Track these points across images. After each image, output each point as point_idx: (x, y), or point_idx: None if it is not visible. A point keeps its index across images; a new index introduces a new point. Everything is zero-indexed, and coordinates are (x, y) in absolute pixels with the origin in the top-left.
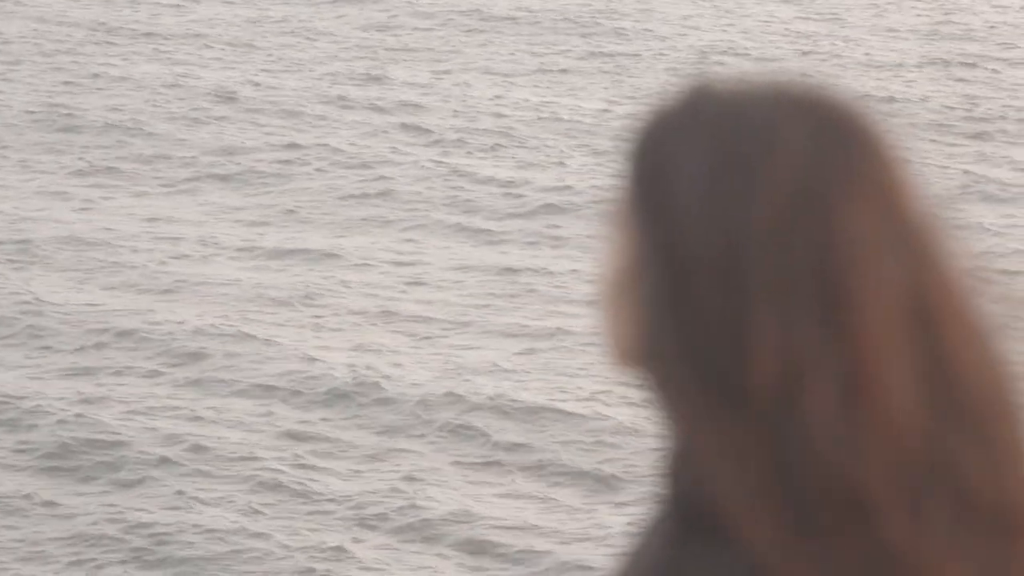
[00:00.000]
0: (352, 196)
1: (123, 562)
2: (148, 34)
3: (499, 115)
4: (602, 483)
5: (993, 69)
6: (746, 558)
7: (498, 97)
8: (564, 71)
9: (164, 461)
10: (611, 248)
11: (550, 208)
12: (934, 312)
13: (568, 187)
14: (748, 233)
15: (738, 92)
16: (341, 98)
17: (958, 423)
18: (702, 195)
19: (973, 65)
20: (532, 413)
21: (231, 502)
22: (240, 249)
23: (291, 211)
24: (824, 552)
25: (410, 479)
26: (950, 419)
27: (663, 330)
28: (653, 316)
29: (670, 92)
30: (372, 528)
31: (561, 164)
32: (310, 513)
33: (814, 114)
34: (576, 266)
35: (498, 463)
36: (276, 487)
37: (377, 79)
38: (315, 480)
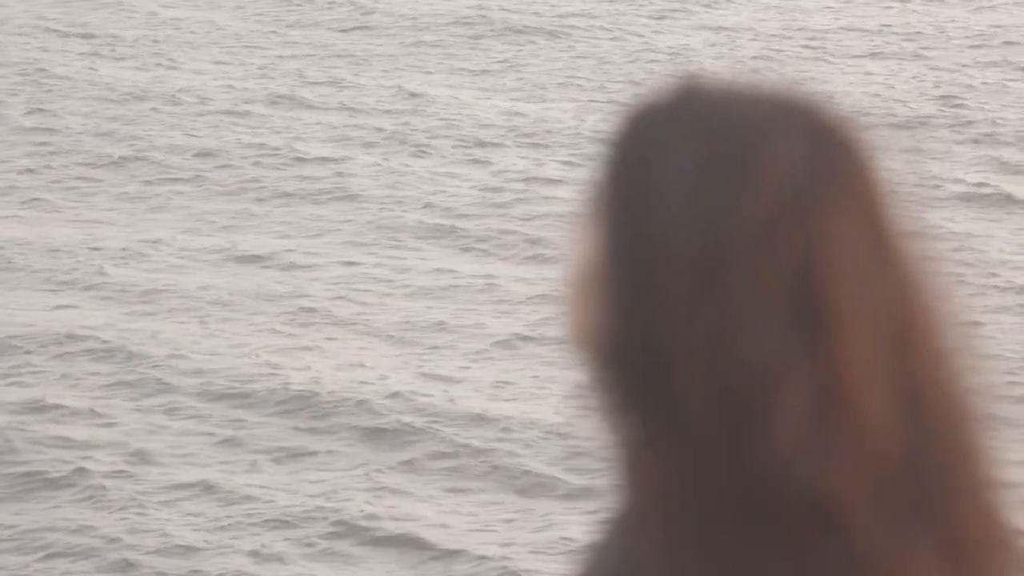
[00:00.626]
0: (303, 196)
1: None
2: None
3: (470, 120)
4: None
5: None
6: (703, 559)
7: (458, 100)
8: (531, 76)
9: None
10: (583, 240)
11: (522, 213)
12: (908, 328)
13: (530, 191)
14: (732, 234)
15: (728, 93)
16: (290, 99)
17: (927, 438)
18: (688, 192)
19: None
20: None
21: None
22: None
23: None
24: (787, 558)
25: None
26: (920, 434)
27: (635, 324)
28: (626, 309)
29: (654, 88)
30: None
31: (528, 166)
32: (244, 516)
33: (803, 122)
34: (543, 273)
35: (456, 470)
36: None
37: (336, 82)
38: (251, 485)
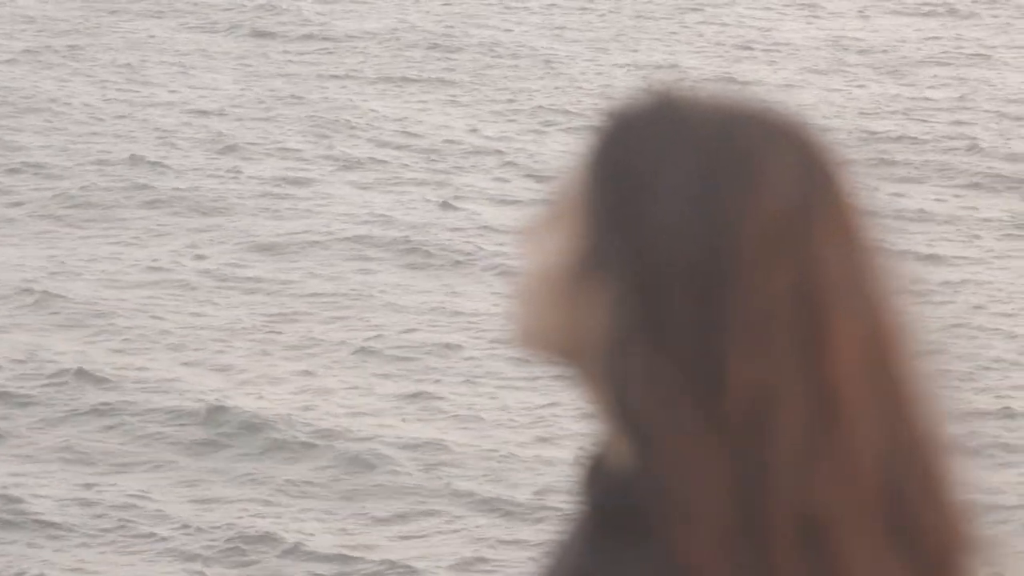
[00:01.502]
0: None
1: None
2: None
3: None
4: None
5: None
6: (668, 560)
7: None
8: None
9: None
10: (549, 244)
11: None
12: (888, 350)
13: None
14: (734, 250)
15: (711, 105)
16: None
17: (906, 456)
18: (689, 209)
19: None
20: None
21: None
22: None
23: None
24: (766, 569)
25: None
26: (899, 452)
27: (629, 337)
28: (616, 320)
29: (632, 99)
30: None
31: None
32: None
33: (793, 138)
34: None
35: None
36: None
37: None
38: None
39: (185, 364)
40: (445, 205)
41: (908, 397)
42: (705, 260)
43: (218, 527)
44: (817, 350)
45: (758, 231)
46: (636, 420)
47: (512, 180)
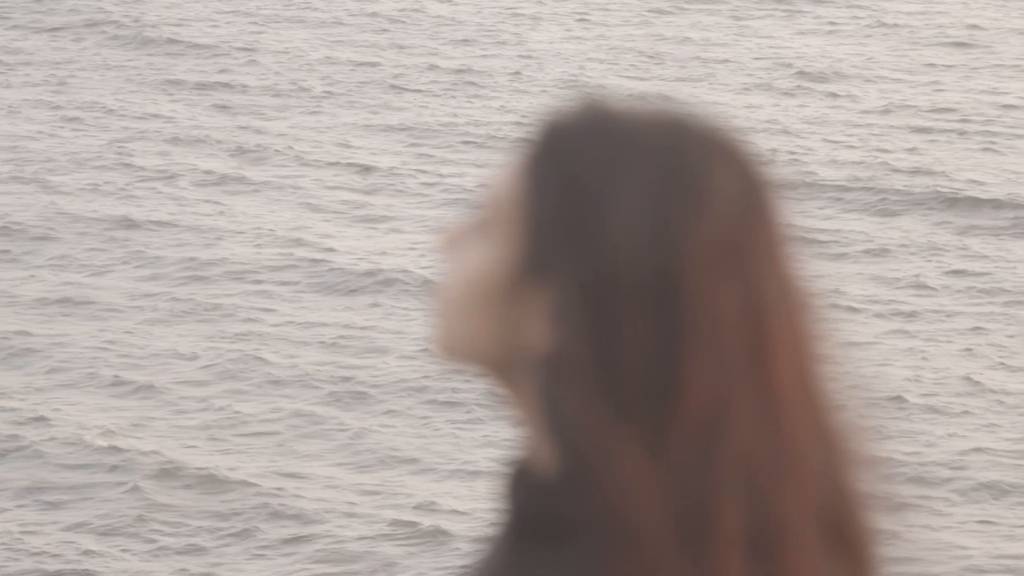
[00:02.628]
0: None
1: None
2: None
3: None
4: None
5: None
6: (595, 569)
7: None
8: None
9: None
10: (478, 253)
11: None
12: (815, 365)
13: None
14: (682, 266)
15: (659, 122)
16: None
17: (838, 469)
18: (638, 222)
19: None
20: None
21: None
22: None
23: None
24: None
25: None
26: (833, 465)
27: (571, 348)
28: (558, 330)
29: (573, 110)
30: None
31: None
32: None
33: (734, 157)
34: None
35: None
36: None
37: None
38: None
39: None
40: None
41: (833, 411)
42: (654, 274)
43: None
44: (763, 364)
45: (706, 245)
46: (573, 432)
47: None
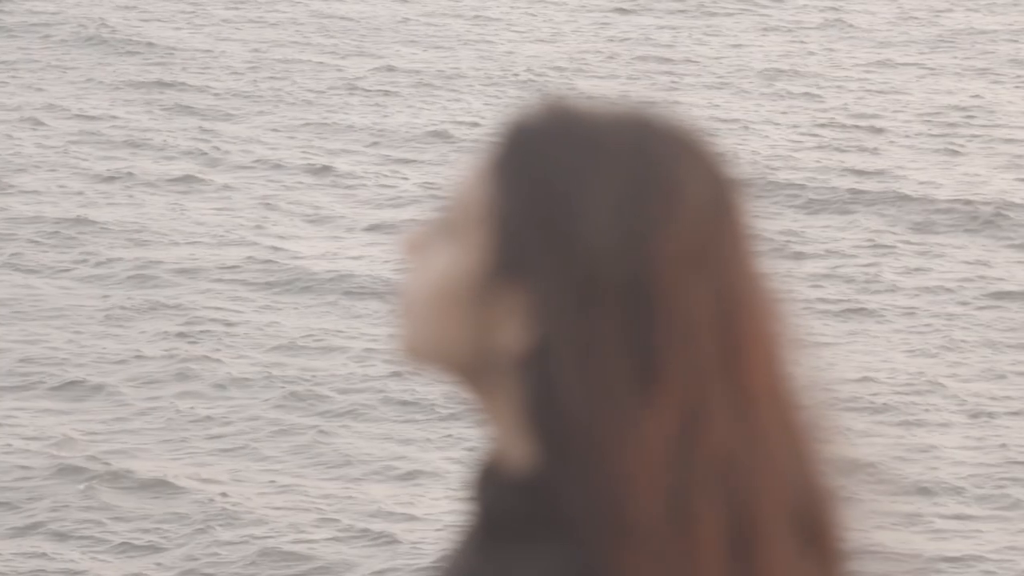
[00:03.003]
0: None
1: None
2: None
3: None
4: None
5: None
6: (577, 561)
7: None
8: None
9: None
10: (445, 256)
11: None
12: (783, 364)
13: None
14: (658, 264)
15: (627, 122)
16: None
17: (807, 467)
18: (613, 222)
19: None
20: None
21: None
22: None
23: None
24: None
25: None
26: (803, 463)
27: (554, 346)
28: (539, 330)
29: (539, 110)
30: None
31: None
32: None
33: (702, 156)
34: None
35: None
36: None
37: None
38: None
39: None
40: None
41: (801, 409)
42: (629, 273)
43: None
44: (736, 362)
45: (678, 243)
46: (558, 429)
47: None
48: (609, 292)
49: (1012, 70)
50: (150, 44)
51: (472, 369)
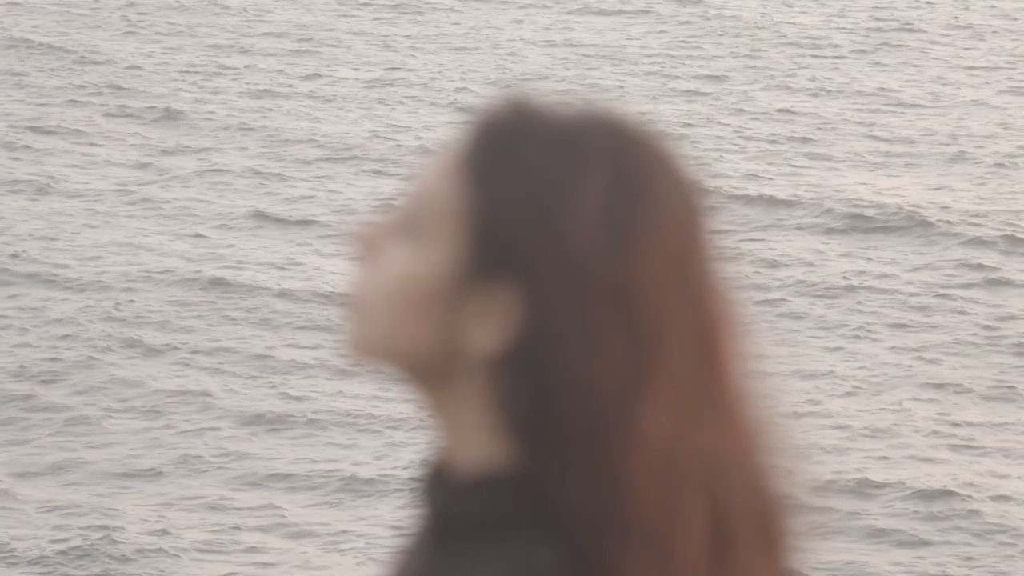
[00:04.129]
0: None
1: None
2: None
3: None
4: None
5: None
6: (536, 558)
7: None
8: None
9: None
10: (407, 254)
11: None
12: (747, 366)
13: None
14: (647, 267)
15: (601, 122)
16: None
17: (765, 468)
18: (603, 226)
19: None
20: None
21: None
22: None
23: None
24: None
25: None
26: (761, 465)
27: (538, 353)
28: (523, 329)
29: (501, 108)
30: None
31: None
32: None
33: (674, 161)
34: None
35: None
36: None
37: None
38: None
39: None
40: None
41: (763, 415)
42: (619, 273)
43: None
44: (713, 363)
45: (663, 245)
46: (554, 428)
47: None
48: (598, 292)
49: None
50: (96, 58)
51: (431, 368)
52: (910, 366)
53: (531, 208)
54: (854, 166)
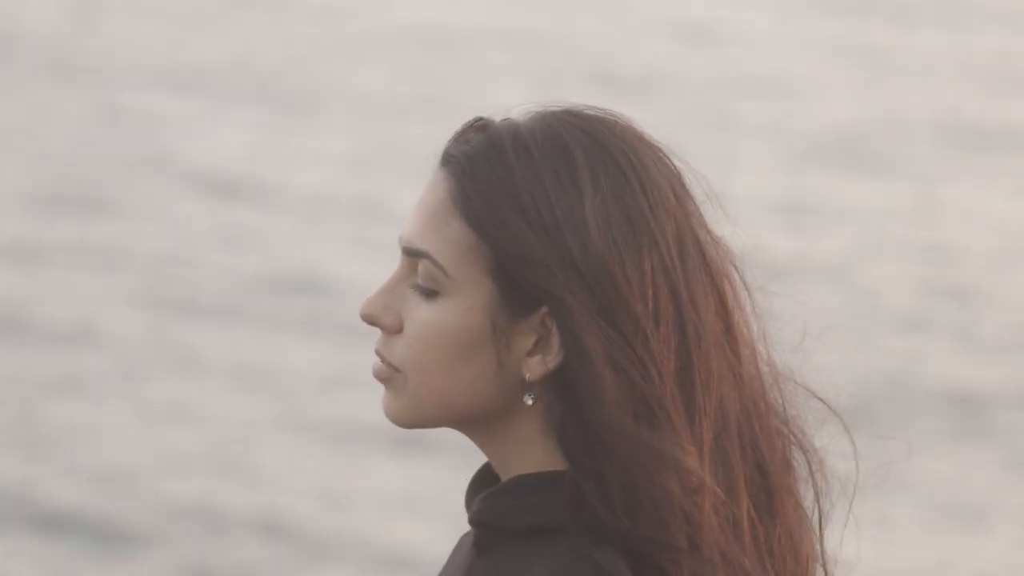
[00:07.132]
0: None
1: None
2: None
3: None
4: None
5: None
6: (585, 559)
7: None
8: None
9: None
10: (428, 313)
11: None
12: (754, 353)
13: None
14: (662, 274)
15: (596, 131)
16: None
17: (759, 444)
18: (615, 236)
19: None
20: None
21: None
22: None
23: None
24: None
25: None
26: (750, 464)
27: (582, 369)
28: (566, 355)
29: (486, 135)
30: None
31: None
32: None
33: (669, 164)
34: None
35: None
36: None
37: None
38: None
39: None
40: None
41: (758, 420)
42: (623, 274)
43: None
44: (696, 349)
45: (665, 247)
46: (606, 437)
47: None
48: (623, 302)
49: None
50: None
51: (491, 410)
52: None
53: (539, 235)
54: None
